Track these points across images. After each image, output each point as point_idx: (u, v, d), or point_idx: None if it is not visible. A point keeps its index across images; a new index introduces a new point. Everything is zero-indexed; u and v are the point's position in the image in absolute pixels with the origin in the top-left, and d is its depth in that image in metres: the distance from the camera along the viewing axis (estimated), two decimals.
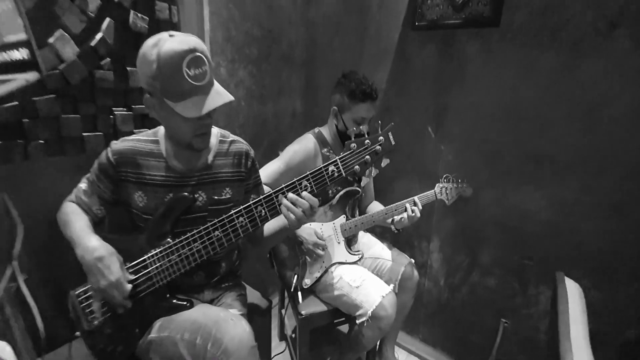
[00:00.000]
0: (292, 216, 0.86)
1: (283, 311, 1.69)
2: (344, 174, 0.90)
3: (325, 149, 1.37)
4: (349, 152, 0.90)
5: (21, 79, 0.39)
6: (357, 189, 1.39)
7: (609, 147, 1.17)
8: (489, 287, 1.51)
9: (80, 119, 1.03)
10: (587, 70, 1.16)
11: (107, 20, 1.04)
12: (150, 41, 0.79)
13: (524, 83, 1.28)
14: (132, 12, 1.08)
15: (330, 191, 1.36)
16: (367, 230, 1.52)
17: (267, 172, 1.29)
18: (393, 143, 0.94)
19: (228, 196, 0.99)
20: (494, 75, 1.33)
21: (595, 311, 1.26)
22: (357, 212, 1.48)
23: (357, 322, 1.23)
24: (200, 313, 0.90)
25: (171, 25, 1.20)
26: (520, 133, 1.32)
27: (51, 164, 1.00)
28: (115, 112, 1.10)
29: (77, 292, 0.91)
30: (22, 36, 0.37)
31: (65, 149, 1.02)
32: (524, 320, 1.44)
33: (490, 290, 1.51)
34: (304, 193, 0.87)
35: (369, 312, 1.19)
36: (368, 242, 1.50)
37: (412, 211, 1.28)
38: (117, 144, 0.91)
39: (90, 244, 0.83)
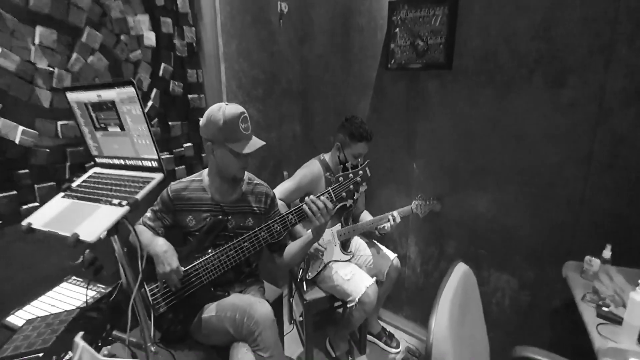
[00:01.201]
0: (314, 207, 1.21)
1: (291, 299, 2.09)
2: (334, 199, 1.28)
3: (328, 173, 1.74)
4: (337, 184, 1.28)
5: (156, 178, 0.74)
6: (351, 203, 1.77)
7: (534, 162, 1.54)
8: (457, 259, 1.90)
9: None
10: (514, 104, 1.52)
11: (155, 90, 1.41)
12: (213, 109, 1.18)
13: (471, 113, 1.64)
14: (171, 81, 1.45)
15: None
16: (361, 234, 1.91)
17: (282, 189, 1.66)
18: (369, 175, 1.32)
19: (250, 224, 1.37)
20: (449, 107, 1.70)
21: (531, 287, 1.66)
22: (351, 221, 1.87)
23: (348, 306, 1.62)
24: (237, 298, 1.29)
25: (198, 86, 1.57)
26: (471, 151, 1.69)
27: None
28: (162, 157, 1.48)
29: (150, 287, 1.30)
30: (155, 156, 0.73)
31: None
32: (480, 296, 1.82)
33: None
34: (322, 197, 1.23)
35: (357, 299, 1.57)
36: (363, 243, 1.88)
37: (394, 221, 1.66)
38: (174, 185, 1.30)
39: (159, 242, 1.22)
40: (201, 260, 1.28)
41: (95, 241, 0.67)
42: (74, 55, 1.16)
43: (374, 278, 1.67)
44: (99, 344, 0.78)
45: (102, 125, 0.81)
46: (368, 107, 1.96)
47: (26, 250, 1.18)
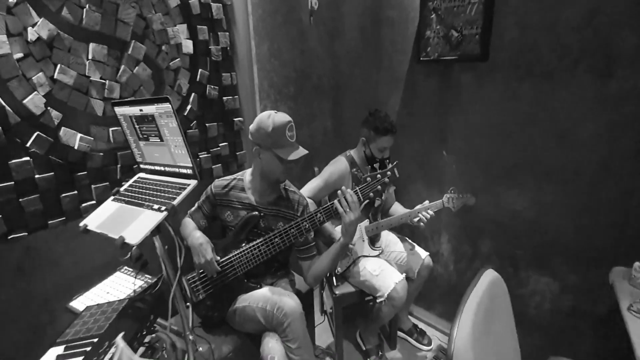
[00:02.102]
0: (343, 202, 1.27)
1: (323, 292, 2.16)
2: (362, 200, 1.31)
3: (355, 169, 1.75)
4: (365, 184, 1.30)
5: (191, 184, 0.83)
6: (378, 199, 1.78)
7: (577, 160, 1.44)
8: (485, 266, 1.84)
9: None
10: (555, 97, 1.43)
11: (193, 94, 1.51)
12: (263, 116, 1.26)
13: (508, 107, 1.57)
14: (207, 85, 1.54)
15: None
16: (391, 230, 1.92)
17: (310, 188, 1.70)
18: (397, 176, 1.32)
19: (279, 228, 1.41)
20: (484, 101, 1.63)
21: (574, 291, 1.57)
22: (380, 216, 1.87)
23: (377, 301, 1.65)
24: (269, 290, 1.37)
25: (232, 88, 1.65)
26: (507, 147, 1.61)
27: None
28: (200, 156, 1.59)
29: (187, 277, 1.43)
30: (189, 164, 0.81)
31: None
32: (517, 298, 1.75)
33: None
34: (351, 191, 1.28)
35: (385, 294, 1.59)
36: (393, 239, 1.88)
37: (425, 217, 1.63)
38: (217, 182, 1.41)
39: (196, 235, 1.33)
40: (235, 253, 1.38)
41: (137, 244, 0.76)
42: (122, 67, 1.28)
43: (404, 274, 1.67)
44: (144, 332, 0.88)
45: (145, 136, 0.90)
46: (399, 101, 1.93)
47: (86, 241, 1.34)
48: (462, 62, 1.64)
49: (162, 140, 0.87)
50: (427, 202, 1.69)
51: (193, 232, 1.35)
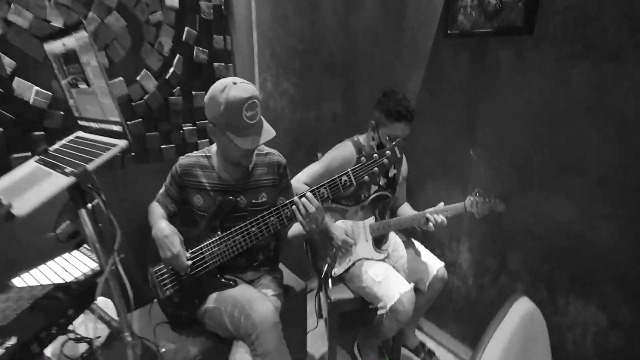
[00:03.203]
0: (302, 211, 1.06)
1: (321, 294, 1.92)
2: (354, 184, 1.06)
3: (362, 157, 1.51)
4: (359, 164, 1.05)
5: (119, 145, 0.63)
6: (388, 194, 1.51)
7: None
8: (517, 292, 1.53)
9: (159, 135, 1.35)
10: (622, 83, 1.11)
11: (177, 56, 1.32)
12: (218, 86, 1.02)
13: (556, 93, 1.26)
14: (195, 47, 1.35)
15: (362, 194, 1.51)
16: (401, 230, 1.65)
17: (308, 173, 1.47)
18: (399, 156, 1.06)
19: (264, 200, 1.22)
20: (526, 84, 1.32)
21: (626, 327, 1.24)
22: (388, 215, 1.61)
23: (378, 313, 1.39)
24: (240, 292, 1.15)
25: (226, 53, 1.44)
26: (552, 143, 1.30)
27: (139, 170, 1.33)
28: (184, 128, 1.40)
29: (154, 269, 1.24)
30: (117, 119, 0.61)
31: (149, 158, 1.35)
32: (552, 328, 1.44)
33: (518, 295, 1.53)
34: (307, 194, 1.06)
35: (388, 306, 1.33)
36: (402, 244, 1.61)
37: (436, 221, 1.37)
38: (182, 159, 1.19)
39: (161, 225, 1.13)
40: (207, 244, 1.17)
41: (24, 216, 0.56)
42: (90, 14, 1.10)
43: (412, 284, 1.40)
44: (54, 331, 0.68)
45: (73, 81, 0.71)
46: (420, 83, 1.65)
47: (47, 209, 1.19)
48: (500, 36, 1.34)
49: (89, 86, 0.68)
50: (442, 204, 1.42)
51: (158, 222, 1.16)
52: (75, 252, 1.20)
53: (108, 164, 1.25)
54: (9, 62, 1.00)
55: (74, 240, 0.83)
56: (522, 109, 1.36)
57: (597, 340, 1.33)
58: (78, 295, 0.76)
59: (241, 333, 1.07)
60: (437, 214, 1.39)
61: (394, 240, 1.63)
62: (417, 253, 1.57)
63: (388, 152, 1.05)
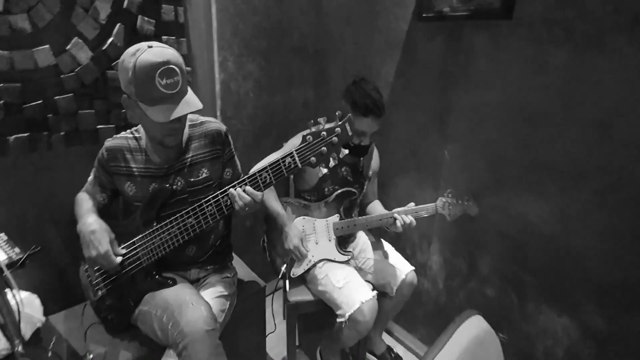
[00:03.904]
0: (239, 204, 0.95)
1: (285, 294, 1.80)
2: (299, 166, 0.94)
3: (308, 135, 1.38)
4: (304, 144, 0.93)
5: None
6: (355, 190, 1.40)
7: (625, 161, 1.02)
8: (487, 296, 1.44)
9: (94, 114, 1.20)
10: (604, 71, 1.01)
11: (118, 25, 1.17)
12: (130, 50, 0.88)
13: (533, 82, 1.16)
14: (139, 16, 1.20)
15: (326, 189, 1.39)
16: (371, 231, 1.54)
17: (269, 161, 1.34)
18: (350, 134, 0.94)
19: (205, 176, 1.08)
20: (501, 74, 1.22)
21: (600, 339, 1.16)
22: (356, 213, 1.50)
23: (337, 320, 1.28)
24: (173, 294, 1.02)
25: (177, 26, 1.30)
26: (527, 138, 1.21)
27: (70, 152, 1.19)
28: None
29: (85, 267, 1.10)
30: None
31: (82, 140, 1.20)
32: (521, 335, 1.36)
33: (488, 299, 1.44)
34: (247, 188, 0.95)
35: (347, 315, 1.22)
36: (372, 244, 1.50)
37: (404, 222, 1.26)
38: (108, 142, 1.05)
39: (88, 220, 0.99)
40: (140, 238, 1.03)
41: None
42: None
43: (375, 293, 1.29)
44: None
45: None
46: (393, 71, 1.53)
47: None
48: (476, 20, 1.23)
49: None
50: (412, 204, 1.32)
51: (84, 216, 1.01)
52: None
53: (30, 145, 1.12)
54: None
55: None
56: (496, 100, 1.26)
57: (568, 352, 1.25)
58: None
59: (169, 341, 0.95)
60: (407, 215, 1.28)
61: (363, 240, 1.52)
62: (386, 255, 1.46)
63: (338, 129, 0.92)
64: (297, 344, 1.67)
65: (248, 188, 0.94)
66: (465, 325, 0.55)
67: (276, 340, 1.69)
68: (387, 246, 1.51)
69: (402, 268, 1.39)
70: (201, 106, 0.93)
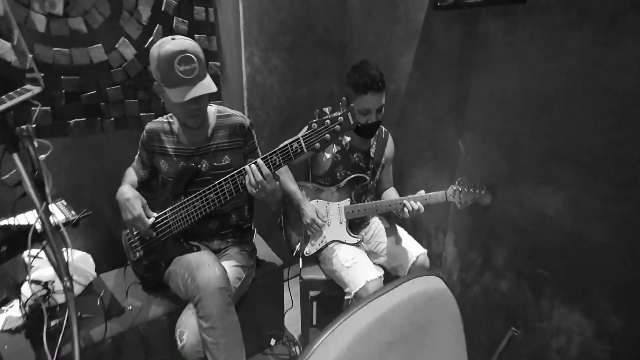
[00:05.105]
0: (251, 180, 1.05)
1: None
2: (305, 150, 1.02)
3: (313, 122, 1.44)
4: (310, 130, 1.01)
5: (32, 90, 0.70)
6: (365, 176, 1.45)
7: None
8: (501, 290, 1.41)
9: (138, 103, 1.40)
10: (624, 54, 0.95)
11: (157, 26, 1.35)
12: (158, 42, 1.05)
13: (550, 67, 1.11)
14: (175, 17, 1.37)
15: (338, 174, 1.46)
16: (385, 217, 1.58)
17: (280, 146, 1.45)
18: (352, 122, 1.00)
19: (227, 162, 1.22)
20: (518, 58, 1.19)
21: (614, 340, 1.11)
22: (367, 199, 1.55)
23: (345, 298, 1.35)
24: (195, 257, 1.18)
25: (208, 25, 1.45)
26: (544, 126, 1.16)
27: (118, 135, 1.40)
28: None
29: (126, 232, 1.30)
30: (31, 64, 0.65)
31: (128, 124, 1.41)
32: (535, 333, 1.32)
33: (502, 294, 1.41)
34: (258, 160, 1.05)
35: (353, 292, 1.29)
36: (386, 230, 1.54)
37: (412, 208, 1.29)
38: (148, 125, 1.23)
39: (123, 189, 1.19)
40: (170, 209, 1.20)
41: None
42: None
43: (381, 273, 1.34)
44: None
45: (8, 34, 0.74)
46: (411, 61, 1.55)
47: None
48: (492, 6, 1.21)
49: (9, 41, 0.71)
50: (422, 191, 1.34)
51: (122, 186, 1.21)
52: (52, 206, 1.29)
53: (87, 127, 1.34)
54: None
55: (21, 187, 0.89)
56: (513, 87, 1.22)
57: (582, 350, 1.19)
58: (11, 236, 0.82)
59: (188, 295, 1.10)
60: (416, 202, 1.31)
61: (376, 225, 1.56)
62: (399, 240, 1.49)
63: (340, 117, 0.99)
64: (314, 323, 1.78)
65: (259, 160, 1.04)
66: (418, 280, 0.58)
67: (295, 317, 1.79)
68: (401, 231, 1.53)
69: (414, 251, 1.41)
70: (215, 89, 1.06)
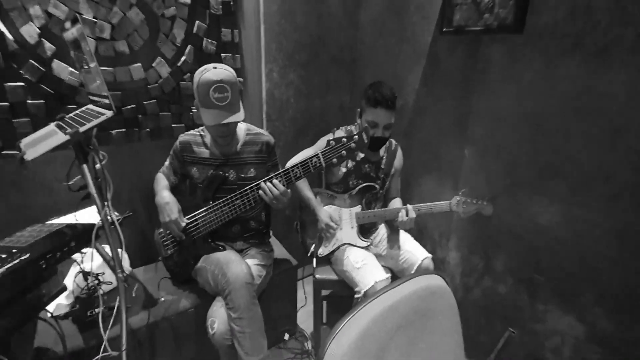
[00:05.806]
0: (267, 193, 1.21)
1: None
2: (324, 165, 1.16)
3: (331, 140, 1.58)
4: (328, 147, 1.15)
5: (105, 114, 0.83)
6: (375, 185, 1.58)
7: (633, 168, 1.07)
8: (500, 293, 1.52)
9: (170, 115, 1.54)
10: (613, 79, 1.07)
11: (189, 46, 1.49)
12: (201, 67, 1.21)
13: (545, 91, 1.23)
14: (204, 39, 1.52)
15: (351, 182, 1.59)
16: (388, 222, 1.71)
17: (302, 157, 1.59)
18: (366, 141, 1.14)
19: (252, 175, 1.37)
20: (516, 83, 1.31)
21: (604, 343, 1.21)
22: (376, 206, 1.67)
23: (355, 297, 1.47)
24: (224, 255, 1.31)
25: (233, 45, 1.60)
26: (538, 143, 1.28)
27: (153, 144, 1.54)
28: (193, 110, 1.59)
29: (159, 231, 1.44)
30: (106, 94, 0.78)
31: (162, 135, 1.55)
32: (530, 334, 1.42)
33: (500, 297, 1.52)
34: (274, 181, 1.21)
35: (362, 292, 1.40)
36: (393, 235, 1.65)
37: (407, 215, 1.43)
38: (181, 137, 1.38)
39: (164, 194, 1.33)
40: (199, 212, 1.34)
41: (29, 160, 0.75)
42: (115, 8, 1.31)
43: (389, 274, 1.46)
44: (58, 255, 0.87)
45: (81, 64, 0.89)
46: (419, 79, 1.68)
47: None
48: (492, 34, 1.33)
49: (89, 67, 0.85)
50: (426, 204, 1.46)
51: (161, 191, 1.35)
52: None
53: (126, 137, 1.49)
54: (49, 47, 1.24)
55: (84, 191, 1.04)
56: (511, 107, 1.35)
57: (575, 352, 1.29)
58: (79, 233, 0.96)
59: (218, 288, 1.24)
60: (417, 210, 1.43)
61: (384, 231, 1.69)
62: (405, 244, 1.61)
63: (356, 136, 1.13)
64: (324, 321, 1.90)
65: (274, 181, 1.21)
66: (422, 277, 0.69)
67: (307, 315, 1.92)
68: (407, 236, 1.65)
69: (419, 255, 1.52)
70: (241, 118, 1.21)
